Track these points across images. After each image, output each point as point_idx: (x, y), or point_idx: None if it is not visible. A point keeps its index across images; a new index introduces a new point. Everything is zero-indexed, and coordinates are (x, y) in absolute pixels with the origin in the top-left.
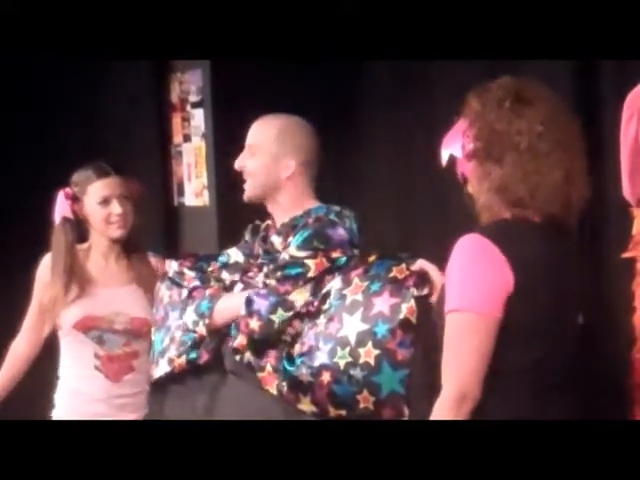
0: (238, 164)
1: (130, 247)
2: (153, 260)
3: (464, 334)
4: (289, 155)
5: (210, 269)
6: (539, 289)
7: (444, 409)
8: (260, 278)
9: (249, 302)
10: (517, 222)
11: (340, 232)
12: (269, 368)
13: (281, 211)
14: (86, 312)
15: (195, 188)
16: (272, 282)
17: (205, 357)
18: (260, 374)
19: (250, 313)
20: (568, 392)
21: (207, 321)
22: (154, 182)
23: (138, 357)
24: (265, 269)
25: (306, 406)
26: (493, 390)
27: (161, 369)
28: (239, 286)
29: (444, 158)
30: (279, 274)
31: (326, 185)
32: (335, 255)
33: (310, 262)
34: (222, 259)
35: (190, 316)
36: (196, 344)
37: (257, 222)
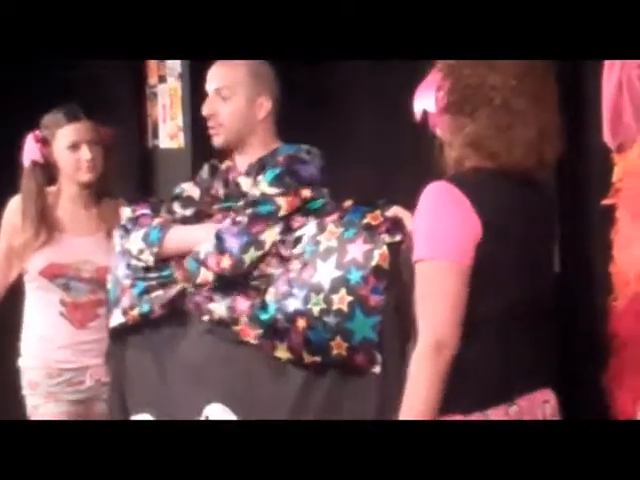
0: (208, 110)
1: (100, 194)
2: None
3: (435, 282)
4: (263, 94)
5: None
6: (507, 237)
7: (421, 359)
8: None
9: (220, 239)
10: (486, 171)
11: (311, 170)
12: (244, 319)
13: (248, 153)
14: (53, 259)
15: (170, 130)
16: (243, 219)
17: (158, 312)
18: (236, 327)
19: (222, 251)
20: (540, 337)
21: (156, 250)
22: (128, 124)
23: (103, 305)
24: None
25: (282, 353)
26: (464, 337)
27: (115, 319)
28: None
29: (417, 112)
30: (250, 211)
31: (301, 130)
32: (305, 193)
33: (281, 200)
34: (176, 191)
35: (136, 243)
36: (147, 292)
37: (213, 161)
